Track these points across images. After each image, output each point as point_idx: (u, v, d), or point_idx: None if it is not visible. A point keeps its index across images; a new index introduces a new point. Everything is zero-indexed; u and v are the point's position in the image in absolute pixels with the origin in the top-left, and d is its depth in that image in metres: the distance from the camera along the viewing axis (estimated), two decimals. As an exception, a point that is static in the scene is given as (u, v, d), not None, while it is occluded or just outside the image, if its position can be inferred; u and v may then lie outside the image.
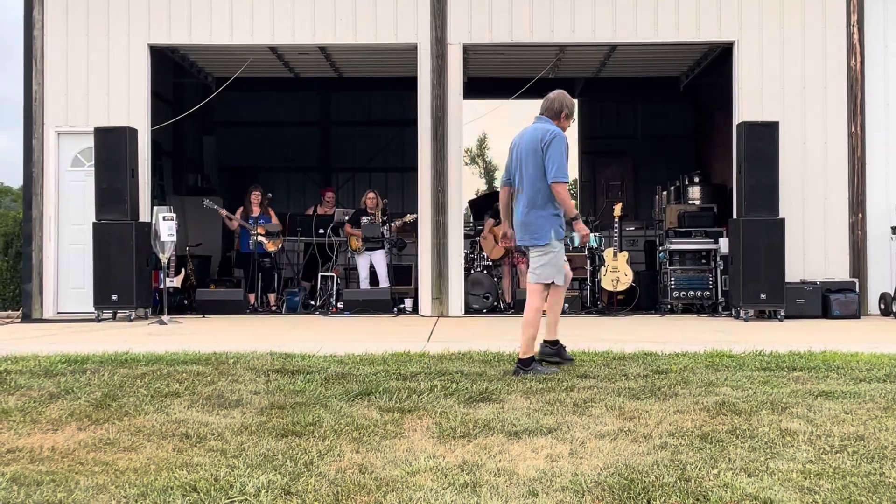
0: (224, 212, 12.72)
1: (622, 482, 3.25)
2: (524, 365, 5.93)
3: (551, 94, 6.37)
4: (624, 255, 11.89)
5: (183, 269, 12.42)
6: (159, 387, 5.16)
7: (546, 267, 6.15)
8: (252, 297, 12.38)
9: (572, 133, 20.36)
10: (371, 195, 12.76)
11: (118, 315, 11.08)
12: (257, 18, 12.02)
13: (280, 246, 12.68)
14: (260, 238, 12.27)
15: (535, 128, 6.24)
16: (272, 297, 12.57)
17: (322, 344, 7.18)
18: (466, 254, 12.48)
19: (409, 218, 12.48)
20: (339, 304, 12.07)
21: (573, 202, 6.26)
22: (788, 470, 3.42)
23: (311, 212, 13.88)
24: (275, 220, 12.68)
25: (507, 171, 6.51)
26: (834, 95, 11.80)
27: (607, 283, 11.86)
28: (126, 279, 10.87)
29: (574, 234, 6.18)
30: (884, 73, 11.81)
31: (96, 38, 12.01)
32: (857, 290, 11.29)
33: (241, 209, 12.66)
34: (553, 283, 6.18)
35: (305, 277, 13.65)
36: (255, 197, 12.65)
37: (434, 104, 11.98)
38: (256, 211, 12.59)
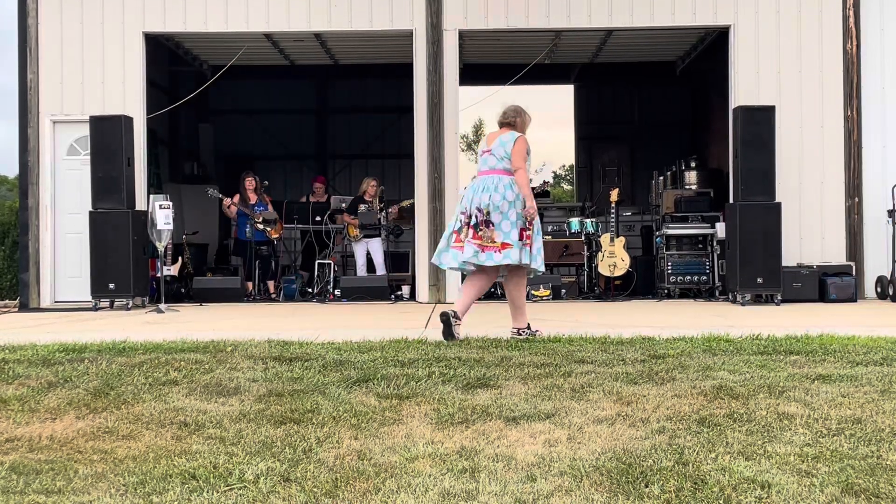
0: (227, 201, 12.58)
1: (620, 467, 3.26)
2: None
3: None
4: (621, 241, 11.89)
5: (180, 258, 12.40)
6: (157, 375, 5.16)
7: None
8: (250, 284, 12.36)
9: (569, 118, 20.37)
10: (372, 183, 12.75)
11: (115, 304, 11.07)
12: (252, 5, 11.97)
13: (281, 233, 12.67)
14: (260, 226, 12.23)
15: None
16: (271, 284, 12.55)
17: (320, 331, 7.18)
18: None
19: (405, 203, 12.46)
20: (337, 292, 12.06)
21: None
22: (786, 453, 3.43)
23: (304, 200, 13.86)
24: (270, 207, 12.60)
25: None
26: (830, 79, 11.78)
27: (604, 269, 11.87)
28: (123, 268, 10.84)
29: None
30: (880, 56, 11.78)
31: (91, 26, 11.95)
32: (854, 273, 11.30)
33: (237, 196, 12.56)
34: None
35: (303, 266, 13.62)
36: (249, 183, 12.50)
37: (430, 91, 11.95)
38: (253, 198, 12.46)
